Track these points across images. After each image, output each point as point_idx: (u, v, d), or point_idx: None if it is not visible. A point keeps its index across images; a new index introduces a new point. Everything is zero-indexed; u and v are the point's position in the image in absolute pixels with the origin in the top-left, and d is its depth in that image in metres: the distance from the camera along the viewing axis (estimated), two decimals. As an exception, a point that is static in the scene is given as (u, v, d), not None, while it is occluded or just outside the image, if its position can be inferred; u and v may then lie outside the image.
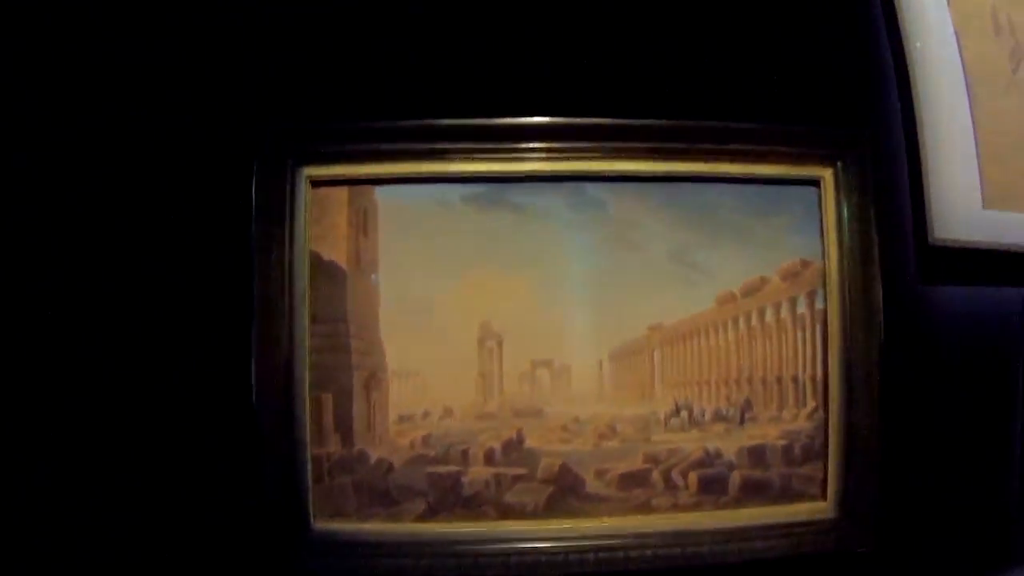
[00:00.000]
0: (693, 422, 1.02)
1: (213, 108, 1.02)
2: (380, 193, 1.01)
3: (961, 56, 1.24)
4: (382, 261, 1.00)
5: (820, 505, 1.05)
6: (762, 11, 1.12)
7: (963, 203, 1.17)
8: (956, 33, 1.25)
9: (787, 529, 1.03)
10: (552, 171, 1.01)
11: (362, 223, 1.01)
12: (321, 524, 0.98)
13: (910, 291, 1.13)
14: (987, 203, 1.21)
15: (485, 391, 1.00)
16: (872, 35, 1.20)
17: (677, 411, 1.02)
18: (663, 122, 1.02)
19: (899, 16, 1.21)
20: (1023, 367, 1.26)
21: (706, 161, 1.04)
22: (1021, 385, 1.26)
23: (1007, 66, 1.32)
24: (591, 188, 1.02)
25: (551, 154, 1.01)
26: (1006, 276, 1.25)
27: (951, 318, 1.20)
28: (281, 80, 1.03)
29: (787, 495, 1.04)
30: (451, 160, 1.01)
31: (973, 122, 1.22)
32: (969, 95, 1.23)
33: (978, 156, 1.21)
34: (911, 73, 1.17)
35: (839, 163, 1.05)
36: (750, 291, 1.03)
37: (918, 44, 1.17)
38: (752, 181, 1.04)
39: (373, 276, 1.00)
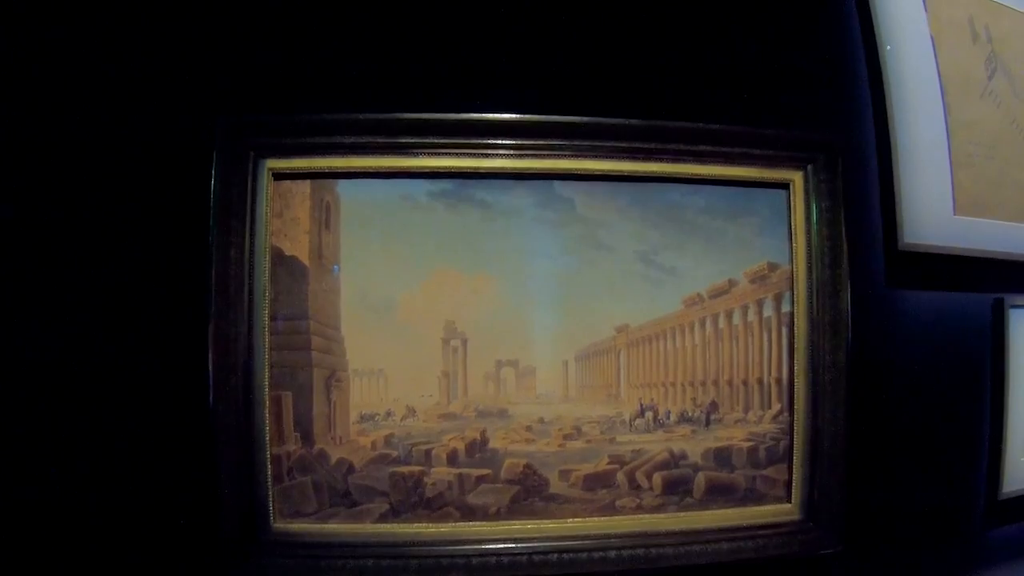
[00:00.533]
0: (658, 423, 1.02)
1: (172, 99, 0.98)
2: (343, 187, 0.99)
3: (936, 63, 1.24)
4: (344, 257, 0.98)
5: (785, 507, 1.05)
6: (737, 14, 1.11)
7: (934, 209, 1.18)
8: (932, 40, 1.25)
9: (752, 531, 1.03)
10: (520, 168, 1.00)
11: (325, 218, 0.99)
12: (281, 524, 0.96)
13: (879, 295, 1.13)
14: (958, 209, 1.22)
15: (449, 391, 0.99)
16: (847, 41, 1.19)
17: (642, 412, 1.01)
18: (633, 121, 1.01)
19: (874, 22, 1.21)
20: (991, 371, 1.27)
21: (676, 162, 1.03)
22: (989, 388, 1.27)
23: (983, 73, 1.33)
24: (559, 186, 1.01)
25: (519, 151, 0.99)
26: (975, 281, 1.26)
27: (919, 322, 1.21)
28: (243, 71, 1.00)
29: (752, 497, 1.04)
30: (416, 155, 0.99)
31: (947, 129, 1.23)
32: (944, 102, 1.23)
33: (950, 162, 1.22)
34: (884, 78, 1.17)
35: (809, 167, 1.05)
36: (717, 293, 1.03)
37: (888, 47, 1.17)
38: (721, 183, 1.04)
39: (335, 268, 0.98)
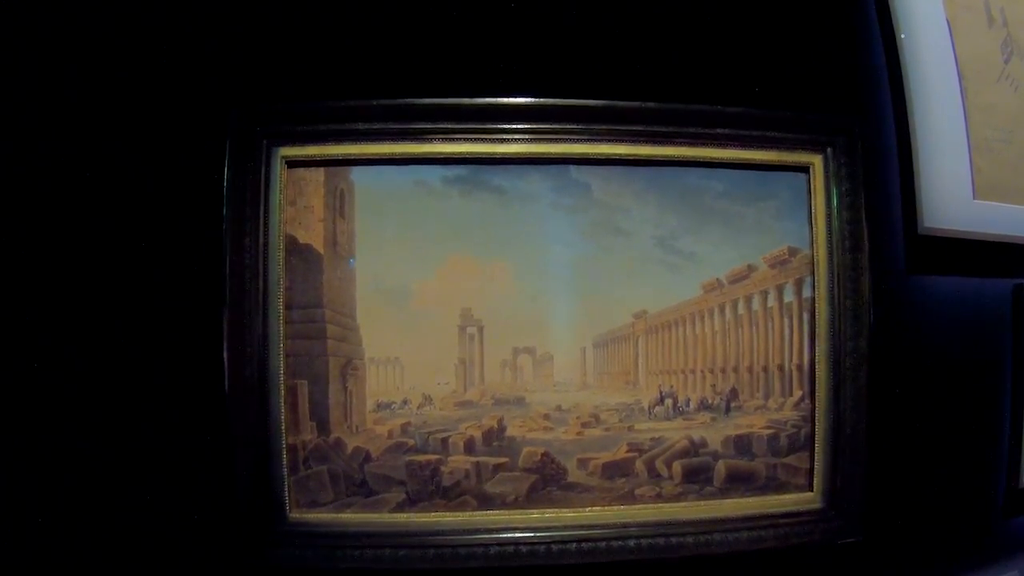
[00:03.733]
0: (678, 411, 1.00)
1: (185, 88, 0.98)
2: (357, 174, 0.98)
3: (953, 47, 1.23)
4: (359, 245, 0.97)
5: (807, 496, 1.03)
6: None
7: (953, 193, 1.16)
8: (948, 23, 1.23)
9: (773, 520, 1.02)
10: (536, 153, 0.99)
11: (339, 205, 0.98)
12: (297, 514, 0.96)
13: (899, 280, 1.11)
14: (978, 194, 1.20)
15: (465, 379, 0.98)
16: (864, 24, 1.17)
17: (661, 400, 1.00)
18: (650, 104, 1.00)
19: (891, 6, 1.19)
20: (1012, 358, 1.25)
21: (694, 145, 1.01)
22: (1010, 375, 1.25)
23: (999, 58, 1.31)
24: (575, 171, 1.00)
25: (535, 135, 0.98)
26: (996, 267, 1.24)
27: (940, 307, 1.19)
28: (255, 59, 0.99)
29: (773, 486, 1.02)
30: (430, 141, 0.98)
31: (964, 113, 1.21)
32: (960, 86, 1.21)
33: (969, 147, 1.20)
34: (902, 63, 1.16)
35: (829, 150, 1.03)
36: (737, 278, 1.01)
37: (904, 33, 1.16)
38: (740, 166, 1.02)
39: (351, 261, 0.97)
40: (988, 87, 1.27)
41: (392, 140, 0.98)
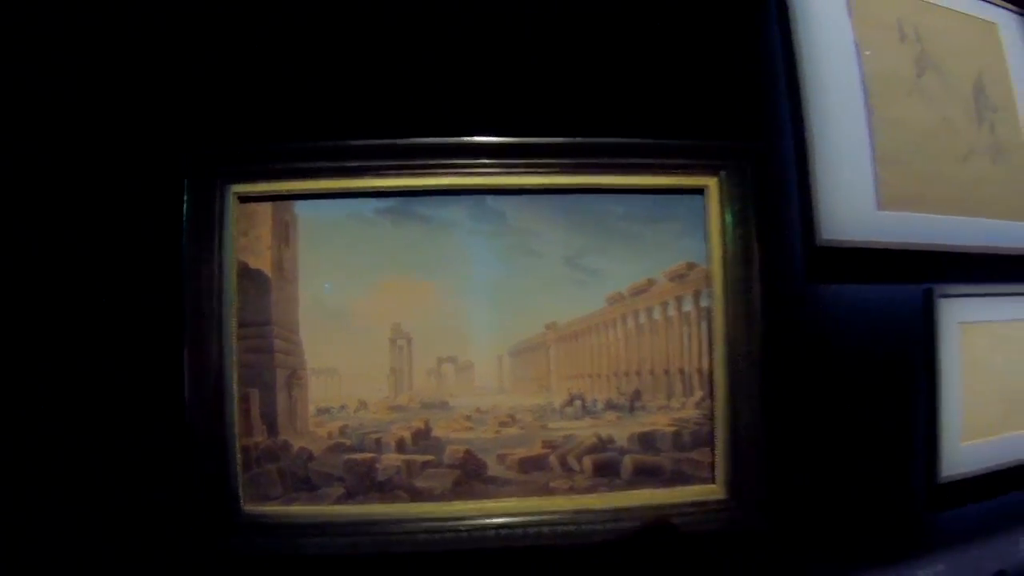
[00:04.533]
0: (587, 411, 1.12)
1: (148, 132, 1.12)
2: (299, 207, 1.12)
3: (860, 65, 1.32)
4: (302, 269, 1.10)
5: (710, 488, 1.14)
6: (656, 34, 1.21)
7: (854, 205, 1.25)
8: (856, 44, 1.33)
9: (678, 509, 1.12)
10: (457, 185, 1.12)
11: (285, 234, 1.12)
12: (250, 507, 1.09)
13: (797, 290, 1.21)
14: (884, 204, 1.29)
15: (396, 386, 1.10)
16: (768, 50, 1.28)
17: (572, 401, 1.12)
18: (557, 140, 1.12)
19: (793, 31, 1.29)
20: (923, 359, 1.34)
21: (598, 174, 1.13)
22: (924, 375, 1.34)
23: (911, 72, 1.40)
24: (491, 200, 1.12)
25: (455, 169, 1.11)
26: (905, 273, 1.33)
27: (851, 314, 1.28)
28: (210, 105, 1.13)
29: (679, 478, 1.13)
30: (364, 176, 1.11)
31: (870, 128, 1.31)
32: (866, 102, 1.31)
33: (874, 160, 1.29)
34: (802, 84, 1.25)
35: (722, 173, 1.14)
36: (637, 291, 1.13)
37: (806, 54, 1.26)
38: (642, 191, 1.14)
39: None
40: (898, 101, 1.37)
41: (331, 176, 1.12)
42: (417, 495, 1.09)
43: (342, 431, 1.09)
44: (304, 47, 1.15)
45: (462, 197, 1.12)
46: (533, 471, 1.10)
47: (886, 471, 1.34)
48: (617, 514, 1.11)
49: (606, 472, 1.11)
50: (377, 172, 1.11)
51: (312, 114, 1.13)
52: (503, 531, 1.09)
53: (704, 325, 1.14)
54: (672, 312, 1.14)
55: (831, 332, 1.28)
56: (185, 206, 1.09)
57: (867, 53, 1.35)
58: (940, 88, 1.42)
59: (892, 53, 1.40)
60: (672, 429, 1.13)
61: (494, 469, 1.10)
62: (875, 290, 1.33)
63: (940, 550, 1.42)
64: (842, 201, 1.25)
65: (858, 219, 1.26)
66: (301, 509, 1.09)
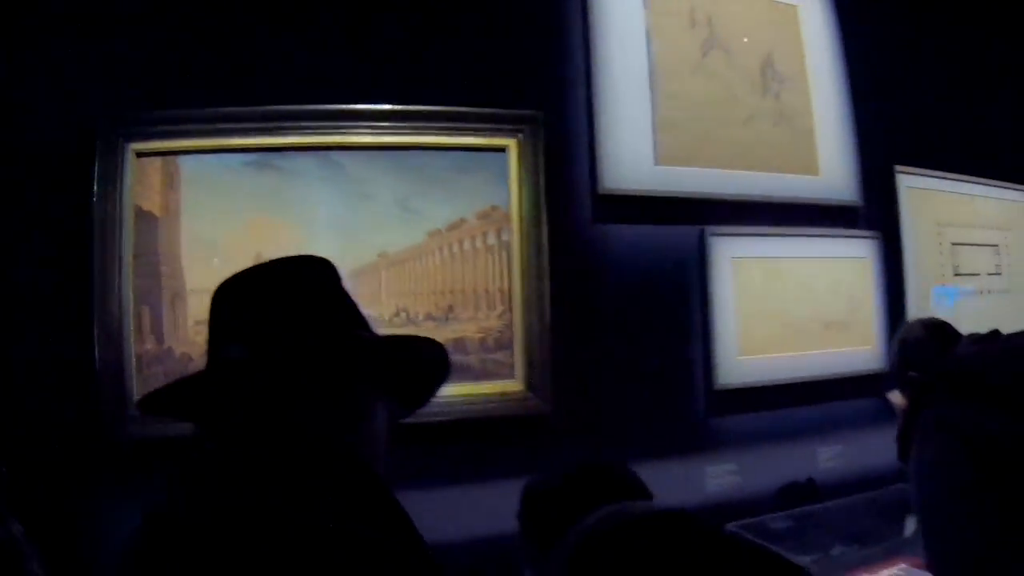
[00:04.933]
0: (410, 321, 1.43)
1: (62, 102, 1.40)
2: (183, 160, 1.41)
3: (648, 48, 1.63)
4: (184, 210, 1.40)
5: (511, 383, 1.45)
6: (475, 20, 1.52)
7: (634, 161, 1.57)
8: (647, 30, 1.64)
9: (488, 398, 1.44)
10: (306, 143, 1.41)
11: (170, 182, 1.41)
12: (144, 399, 1.38)
13: (584, 229, 1.53)
14: (662, 160, 1.61)
15: (259, 302, 1.40)
16: (568, 35, 1.59)
17: (398, 313, 1.43)
18: (387, 107, 1.42)
19: (590, 20, 1.60)
20: (700, 287, 1.66)
21: (421, 135, 1.43)
22: (700, 300, 1.66)
23: (697, 53, 1.72)
24: (335, 155, 1.42)
25: (304, 131, 1.41)
26: (683, 217, 1.65)
27: (633, 250, 1.61)
28: (115, 78, 1.42)
29: (485, 375, 1.45)
30: (233, 136, 1.41)
31: (653, 100, 1.62)
32: (651, 79, 1.63)
33: (655, 125, 1.61)
34: (594, 66, 1.57)
35: (520, 135, 1.45)
36: (452, 227, 1.44)
37: (599, 40, 1.57)
38: (456, 149, 1.44)
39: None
40: (681, 78, 1.68)
41: (207, 136, 1.41)
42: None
43: (216, 337, 1.39)
44: (190, 34, 1.43)
45: (311, 152, 1.41)
46: (368, 368, 1.41)
47: (671, 378, 1.66)
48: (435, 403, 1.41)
49: (426, 369, 1.42)
50: (243, 133, 1.40)
51: (193, 86, 1.42)
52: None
53: (504, 255, 1.45)
54: (479, 244, 1.45)
55: (620, 263, 1.60)
56: (96, 159, 1.38)
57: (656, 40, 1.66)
58: (725, 65, 1.74)
59: (682, 36, 1.71)
60: (480, 336, 1.44)
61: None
62: (661, 231, 1.65)
63: (730, 452, 1.74)
64: (624, 158, 1.57)
65: (637, 172, 1.58)
66: (184, 399, 1.38)
